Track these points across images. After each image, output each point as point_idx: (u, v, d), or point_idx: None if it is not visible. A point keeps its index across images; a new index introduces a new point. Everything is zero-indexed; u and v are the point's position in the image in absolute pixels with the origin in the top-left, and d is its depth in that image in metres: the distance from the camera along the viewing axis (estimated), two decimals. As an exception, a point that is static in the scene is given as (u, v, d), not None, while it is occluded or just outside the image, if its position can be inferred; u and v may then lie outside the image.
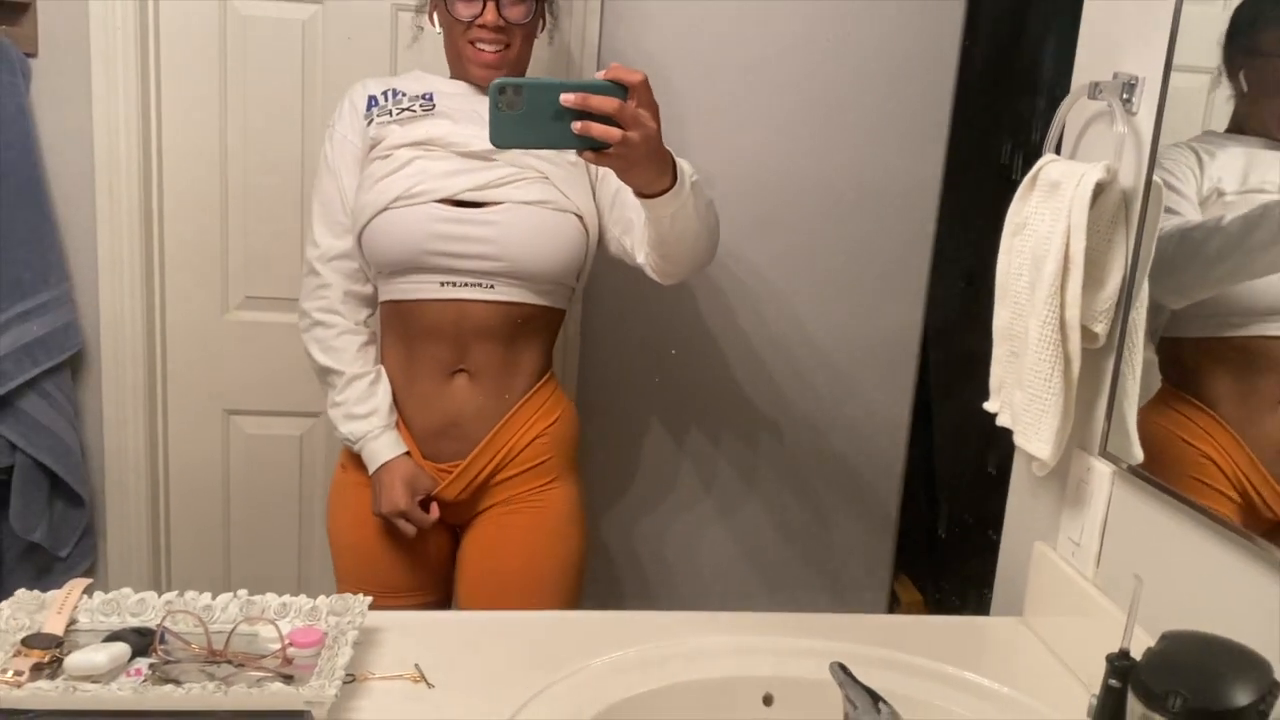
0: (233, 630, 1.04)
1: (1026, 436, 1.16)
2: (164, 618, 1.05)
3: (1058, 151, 1.24)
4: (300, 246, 2.04)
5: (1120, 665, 0.83)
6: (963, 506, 2.41)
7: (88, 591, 1.11)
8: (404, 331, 1.56)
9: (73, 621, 1.07)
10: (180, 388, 2.10)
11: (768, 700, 1.13)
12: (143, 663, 1.01)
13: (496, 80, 1.08)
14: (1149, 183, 1.07)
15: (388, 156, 1.53)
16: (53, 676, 0.98)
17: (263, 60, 1.98)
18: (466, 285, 1.51)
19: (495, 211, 1.50)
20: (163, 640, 1.03)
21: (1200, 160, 1.03)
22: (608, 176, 1.54)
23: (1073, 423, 1.15)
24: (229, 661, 1.02)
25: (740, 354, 2.17)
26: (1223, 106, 1.01)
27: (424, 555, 1.61)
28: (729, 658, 1.16)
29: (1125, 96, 1.13)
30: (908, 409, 2.21)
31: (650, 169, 1.21)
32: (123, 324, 2.01)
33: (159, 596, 1.11)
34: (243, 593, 1.13)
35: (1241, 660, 0.80)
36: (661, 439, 2.18)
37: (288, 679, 1.00)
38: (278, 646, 1.04)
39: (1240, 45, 0.99)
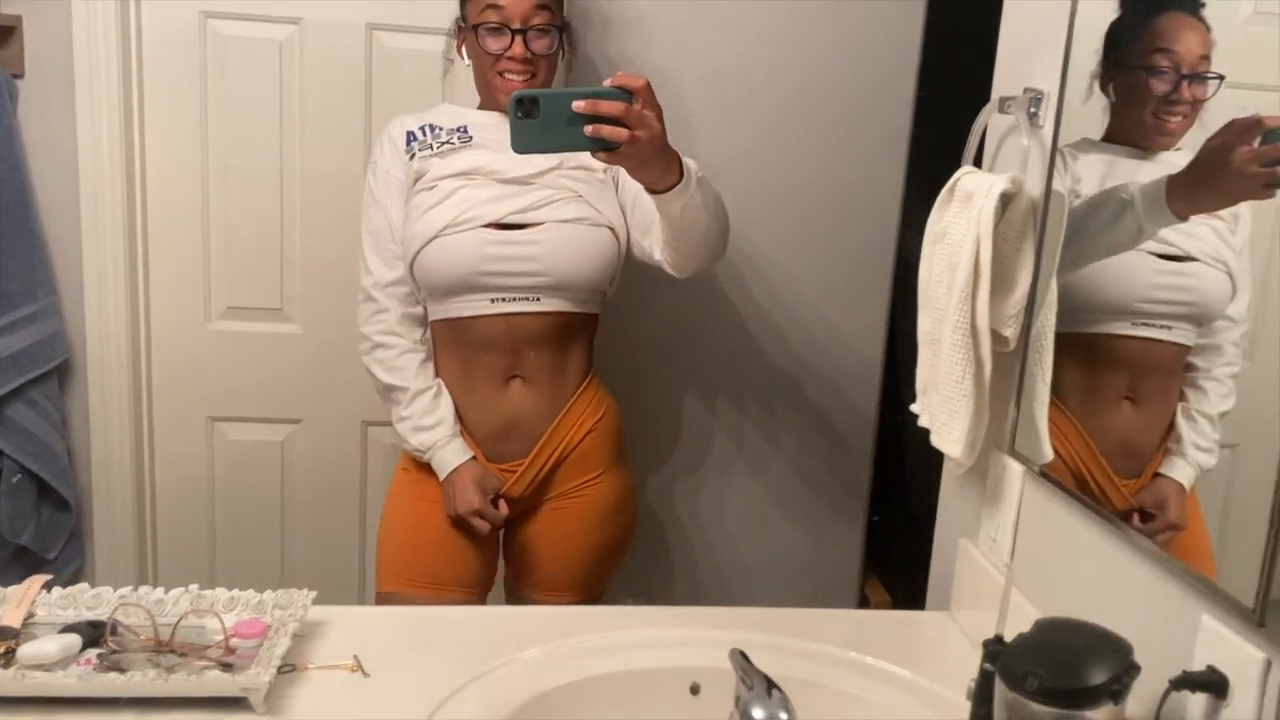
0: (178, 622, 1.10)
1: (941, 437, 1.21)
2: (114, 610, 1.11)
3: (977, 164, 1.29)
4: (280, 257, 2.13)
5: (993, 650, 0.88)
6: (933, 510, 2.45)
7: (47, 587, 1.17)
8: (459, 345, 1.66)
9: (31, 615, 1.14)
10: (164, 395, 2.17)
11: (695, 690, 1.18)
12: (93, 653, 1.07)
13: (515, 92, 1.19)
14: (1048, 192, 1.12)
15: (433, 188, 1.63)
16: (6, 666, 1.04)
17: (242, 78, 2.05)
18: (515, 300, 1.62)
19: (538, 231, 1.61)
20: (114, 632, 1.09)
21: (1066, 163, 1.09)
22: (625, 184, 1.66)
23: (988, 423, 1.20)
24: (174, 651, 1.08)
25: (716, 356, 2.22)
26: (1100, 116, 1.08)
27: (475, 551, 1.70)
28: (659, 649, 1.21)
29: (1032, 110, 1.18)
30: (874, 410, 2.26)
31: (657, 165, 1.34)
32: (108, 334, 2.08)
33: (115, 591, 1.17)
34: (194, 587, 1.19)
35: (1103, 643, 0.85)
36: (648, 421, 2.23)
37: (227, 667, 1.06)
38: (221, 637, 1.09)
39: (1110, 59, 1.04)
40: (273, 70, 2.06)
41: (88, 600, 1.16)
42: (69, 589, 1.17)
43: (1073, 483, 1.05)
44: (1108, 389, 1.05)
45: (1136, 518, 1.00)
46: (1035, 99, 1.17)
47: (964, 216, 1.18)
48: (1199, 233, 0.98)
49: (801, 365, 2.24)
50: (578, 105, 1.20)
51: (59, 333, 2.03)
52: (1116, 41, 1.07)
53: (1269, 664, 0.79)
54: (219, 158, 2.08)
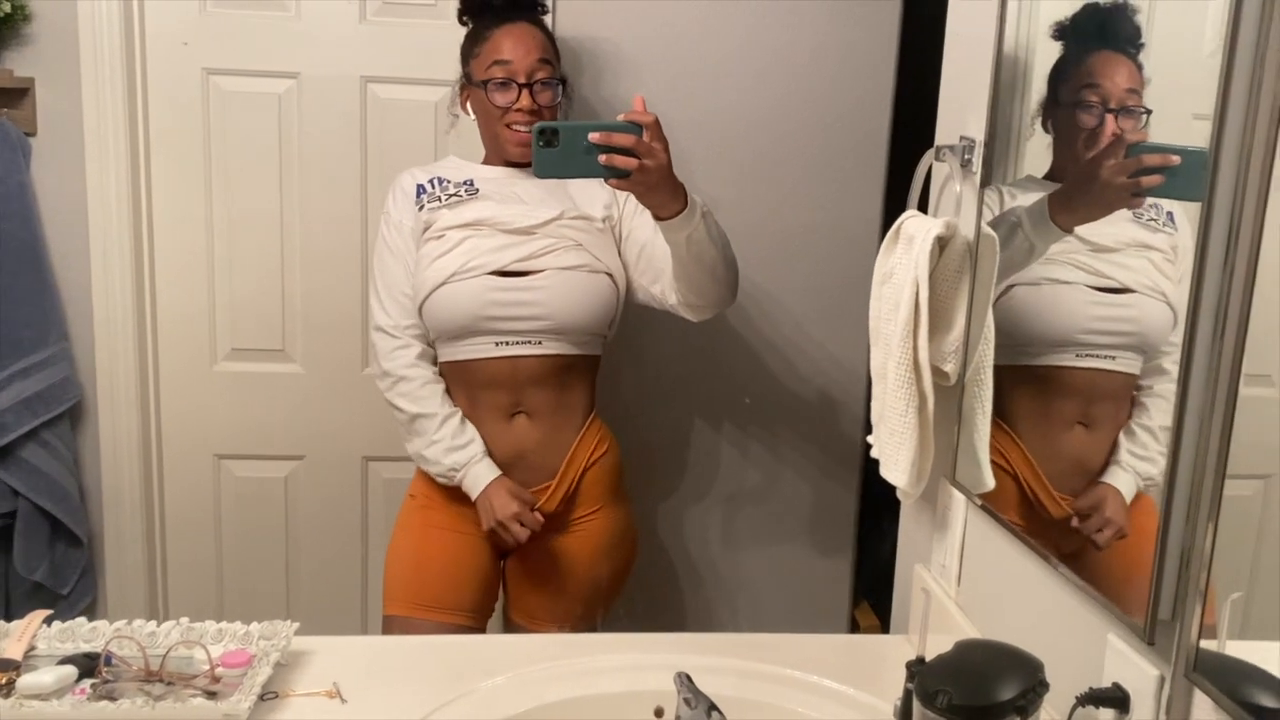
0: (167, 653, 1.17)
1: (888, 467, 1.27)
2: (108, 642, 1.19)
3: (922, 207, 1.35)
4: (281, 300, 2.22)
5: (913, 670, 0.93)
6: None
7: (48, 621, 1.25)
8: (465, 385, 1.75)
9: (32, 648, 1.21)
10: (172, 435, 2.25)
11: (659, 713, 1.24)
12: (88, 683, 1.15)
13: (537, 124, 1.33)
14: (978, 233, 1.18)
15: (441, 237, 1.71)
16: (7, 696, 1.11)
17: (242, 130, 2.15)
18: (518, 343, 1.70)
19: (540, 279, 1.69)
20: (108, 663, 1.17)
21: (1002, 199, 1.15)
22: (633, 237, 1.76)
23: (934, 455, 1.26)
24: (163, 681, 1.15)
25: (709, 388, 2.29)
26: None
27: (477, 578, 1.77)
28: (626, 674, 1.27)
29: (966, 157, 1.25)
30: (860, 437, 2.32)
31: (664, 192, 1.46)
32: (117, 376, 2.17)
33: (110, 625, 1.25)
34: (184, 620, 1.26)
35: (1015, 662, 0.90)
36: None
37: (212, 695, 1.13)
38: (208, 667, 1.17)
39: (1051, 96, 1.11)
40: (272, 122, 2.15)
41: (85, 634, 1.24)
42: (68, 623, 1.25)
43: (1024, 501, 1.10)
44: (1059, 416, 1.11)
45: (1075, 519, 1.04)
46: (968, 147, 1.24)
47: (907, 258, 1.25)
48: (1135, 265, 1.03)
49: (790, 395, 2.30)
50: (593, 136, 1.34)
51: (70, 376, 2.13)
52: (1056, 80, 1.13)
53: (1163, 680, 0.84)
54: (222, 207, 2.18)
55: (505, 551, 1.81)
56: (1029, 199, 1.14)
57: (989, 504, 1.17)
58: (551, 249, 1.70)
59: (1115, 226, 1.01)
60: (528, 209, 1.72)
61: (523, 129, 1.73)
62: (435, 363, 1.79)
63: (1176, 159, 0.87)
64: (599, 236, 1.76)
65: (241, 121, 2.15)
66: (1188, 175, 0.82)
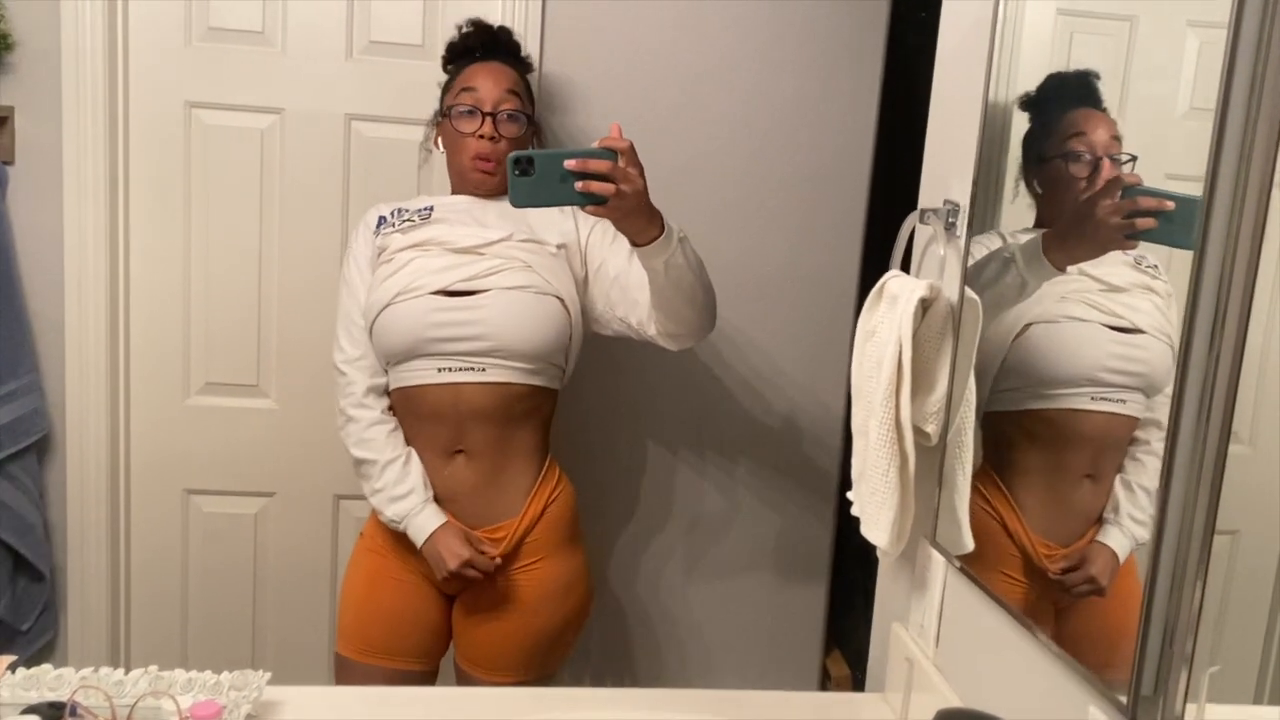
0: (135, 703, 1.15)
1: (868, 526, 1.27)
2: (74, 692, 1.16)
3: (905, 268, 1.36)
4: (257, 335, 2.20)
5: (895, 739, 0.93)
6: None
7: (12, 667, 1.22)
8: (408, 415, 1.71)
9: (-5, 695, 1.18)
10: (142, 469, 2.22)
11: (633, 770, 1.23)
12: (52, 733, 1.12)
13: (512, 153, 1.31)
14: (962, 297, 1.19)
15: (391, 260, 1.71)
16: (-32, 746, 1.08)
17: (224, 165, 2.14)
18: (460, 369, 1.65)
19: (483, 298, 1.66)
20: (73, 713, 1.14)
21: (1005, 241, 1.16)
22: (605, 270, 1.73)
23: (914, 515, 1.26)
24: (130, 732, 1.13)
25: (681, 430, 2.29)
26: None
27: (422, 626, 1.74)
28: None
29: (950, 220, 1.26)
30: (835, 486, 2.32)
31: (640, 218, 1.45)
32: (87, 409, 2.14)
33: (76, 673, 1.22)
34: (153, 668, 1.24)
35: (995, 733, 0.90)
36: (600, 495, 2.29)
37: (180, 749, 1.11)
38: (177, 718, 1.14)
39: (1030, 156, 1.13)
40: (254, 157, 2.14)
41: (50, 681, 1.21)
42: (33, 670, 1.22)
43: (1019, 558, 1.09)
44: (1070, 469, 1.08)
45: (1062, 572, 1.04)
46: (952, 210, 1.25)
47: (890, 317, 1.26)
48: (1143, 306, 1.02)
49: (764, 441, 2.30)
50: (569, 164, 1.33)
51: (39, 409, 2.09)
52: (1032, 143, 1.15)
53: (1142, 755, 0.84)
54: (200, 240, 2.16)
55: (453, 596, 1.76)
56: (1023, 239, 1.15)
57: (972, 566, 1.17)
58: (498, 269, 1.68)
59: (1119, 268, 1.01)
60: (478, 230, 1.71)
61: (487, 161, 1.73)
62: (388, 393, 1.75)
63: (1171, 204, 0.88)
64: (551, 261, 1.73)
65: (223, 156, 2.14)
66: (1181, 222, 0.83)
